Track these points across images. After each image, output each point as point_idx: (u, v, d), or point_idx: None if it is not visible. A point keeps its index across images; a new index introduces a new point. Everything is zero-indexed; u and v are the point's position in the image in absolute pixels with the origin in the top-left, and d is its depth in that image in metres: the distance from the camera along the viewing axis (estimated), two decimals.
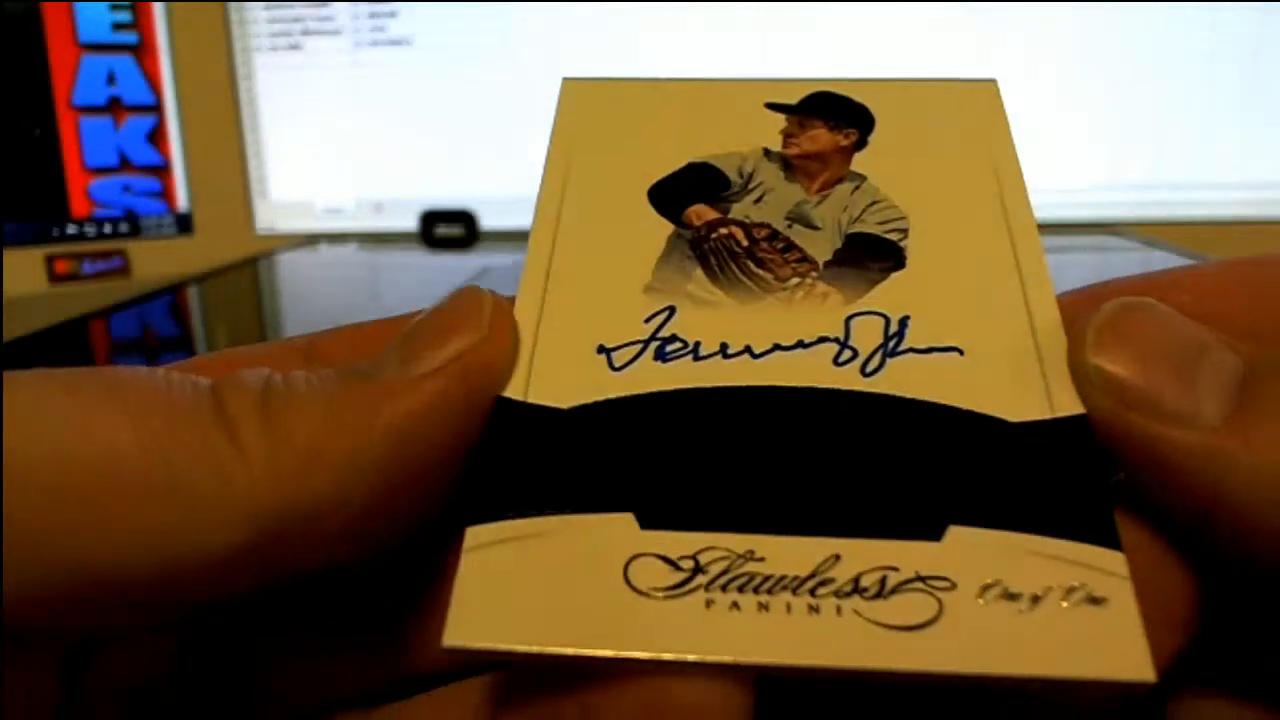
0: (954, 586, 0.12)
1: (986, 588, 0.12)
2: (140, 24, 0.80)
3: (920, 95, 0.19)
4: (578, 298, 0.16)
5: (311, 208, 0.86)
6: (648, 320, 0.15)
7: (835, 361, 0.15)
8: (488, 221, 0.82)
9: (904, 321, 0.15)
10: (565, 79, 0.19)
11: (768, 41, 0.77)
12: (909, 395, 0.14)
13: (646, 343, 0.15)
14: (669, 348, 0.15)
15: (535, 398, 0.14)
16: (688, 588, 0.12)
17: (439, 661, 0.15)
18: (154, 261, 0.82)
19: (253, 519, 0.12)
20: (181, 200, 0.83)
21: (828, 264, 0.16)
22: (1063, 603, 0.12)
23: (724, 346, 0.15)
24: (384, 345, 0.15)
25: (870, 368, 0.14)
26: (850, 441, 0.14)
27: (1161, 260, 0.67)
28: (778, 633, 0.12)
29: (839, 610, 0.12)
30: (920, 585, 0.12)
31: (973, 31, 0.75)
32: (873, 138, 0.18)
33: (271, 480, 0.12)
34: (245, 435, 0.13)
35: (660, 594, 0.12)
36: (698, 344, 0.15)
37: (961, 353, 0.15)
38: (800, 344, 0.15)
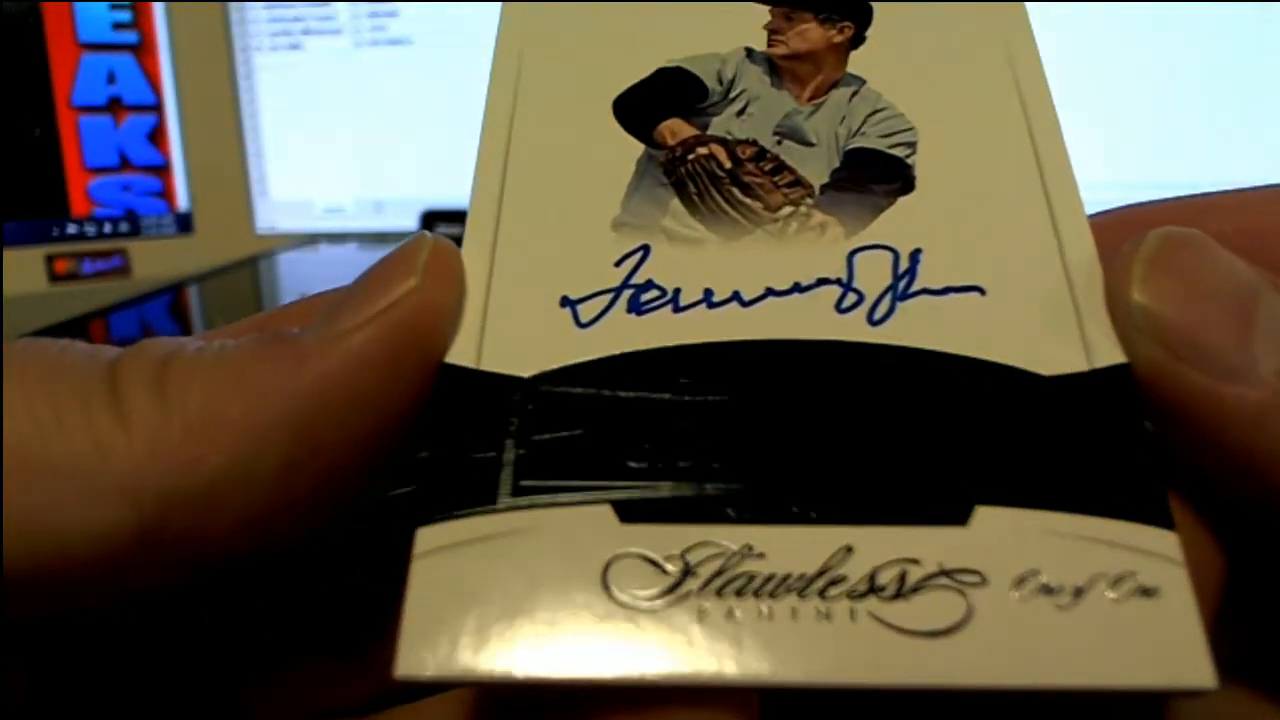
0: (984, 581, 0.10)
1: (1021, 580, 0.10)
2: (140, 23, 0.80)
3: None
4: (535, 239, 0.13)
5: (311, 207, 0.86)
6: (618, 263, 0.13)
7: (838, 308, 0.12)
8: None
9: (915, 256, 0.13)
10: (505, 3, 0.16)
11: None
12: (924, 346, 0.12)
13: (618, 291, 0.13)
14: (644, 297, 0.13)
15: (489, 364, 0.12)
16: (677, 594, 0.10)
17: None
18: (154, 261, 0.82)
19: (135, 498, 0.11)
20: (182, 200, 0.83)
21: (824, 187, 0.14)
22: (1109, 594, 0.10)
23: (708, 293, 0.13)
24: None
25: (879, 314, 0.12)
26: (858, 408, 0.12)
27: None
28: (783, 646, 0.10)
29: (853, 615, 0.10)
30: (946, 581, 0.11)
31: None
32: (872, 32, 0.15)
33: (157, 454, 0.11)
34: (132, 406, 0.11)
35: (645, 603, 0.10)
36: (678, 291, 0.13)
37: (983, 292, 0.13)
38: (797, 287, 0.13)
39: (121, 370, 0.12)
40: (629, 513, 0.11)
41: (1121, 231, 0.13)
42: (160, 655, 0.15)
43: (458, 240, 0.14)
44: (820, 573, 0.11)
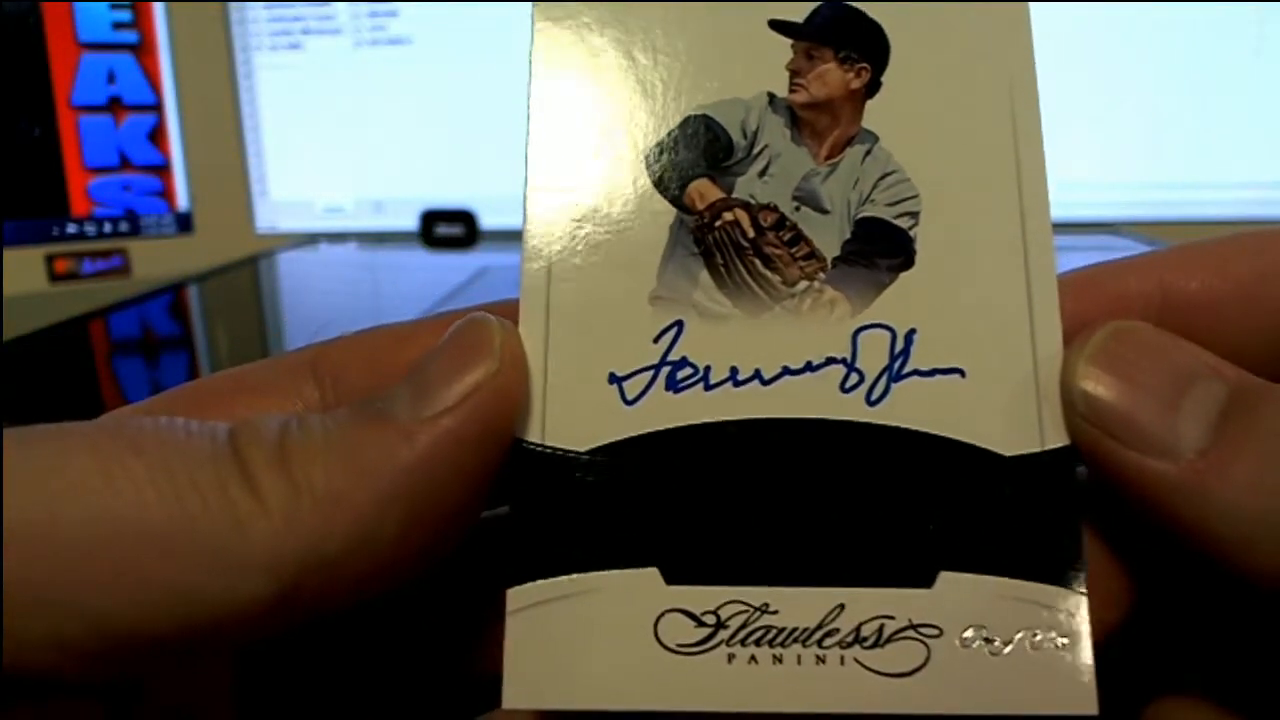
0: (941, 633, 0.14)
1: (968, 632, 0.14)
2: (140, 23, 0.80)
3: (938, 15, 0.17)
4: (584, 315, 0.15)
5: (311, 207, 0.86)
6: (656, 340, 0.15)
7: (842, 388, 0.15)
8: (488, 221, 0.82)
9: (910, 337, 0.15)
10: (537, 4, 0.17)
11: None
12: (910, 427, 0.15)
13: (657, 369, 0.15)
14: (679, 374, 0.15)
15: (552, 439, 0.15)
16: (711, 644, 0.14)
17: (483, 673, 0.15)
18: (154, 261, 0.82)
19: (274, 570, 0.12)
20: (181, 199, 0.83)
21: (836, 260, 0.16)
22: (1030, 646, 0.14)
23: (734, 372, 0.15)
24: (390, 356, 0.16)
25: (875, 395, 0.15)
26: (854, 480, 0.14)
27: None
28: (791, 684, 0.14)
29: (842, 660, 0.14)
30: (912, 634, 0.14)
31: None
32: (886, 77, 0.16)
33: (291, 530, 0.12)
34: (264, 485, 0.13)
35: (687, 650, 0.14)
36: (708, 369, 0.15)
37: (964, 374, 0.15)
38: (808, 366, 0.15)
39: (244, 450, 0.13)
40: (673, 575, 0.14)
41: (1087, 297, 0.15)
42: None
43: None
44: (819, 626, 0.14)
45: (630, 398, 0.15)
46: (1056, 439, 0.14)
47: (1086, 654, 0.14)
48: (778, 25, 0.16)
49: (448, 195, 0.83)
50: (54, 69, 0.77)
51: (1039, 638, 0.14)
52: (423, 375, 0.14)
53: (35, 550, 0.12)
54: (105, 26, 0.79)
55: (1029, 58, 0.16)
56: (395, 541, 0.13)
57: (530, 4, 0.17)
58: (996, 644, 0.14)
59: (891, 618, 0.14)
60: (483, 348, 0.14)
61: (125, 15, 0.79)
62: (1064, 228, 0.83)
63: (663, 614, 0.14)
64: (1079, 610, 0.14)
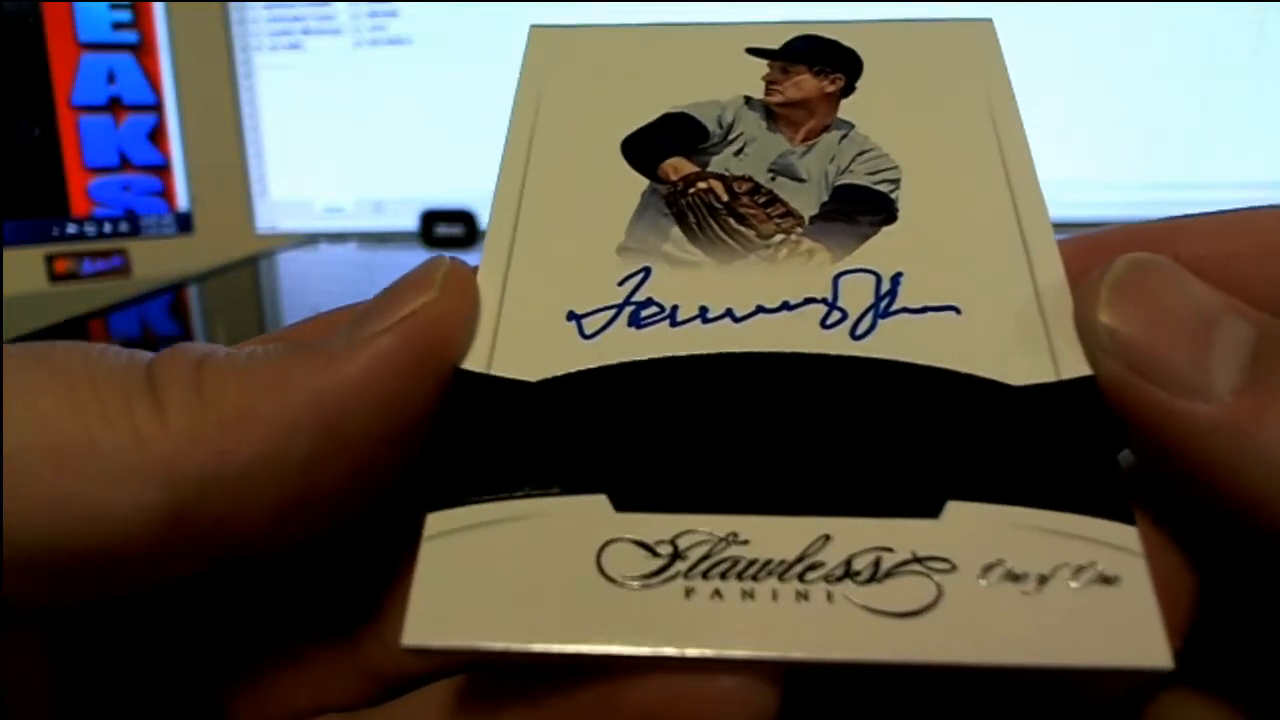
0: (954, 568, 0.11)
1: (988, 568, 0.11)
2: (140, 23, 0.80)
3: (910, 37, 0.17)
4: (545, 260, 0.14)
5: (311, 207, 0.86)
6: (621, 283, 0.14)
7: (823, 324, 0.13)
8: (488, 221, 0.82)
9: (896, 279, 0.14)
10: (533, 26, 0.17)
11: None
12: (902, 359, 0.13)
13: (620, 307, 0.14)
14: (644, 312, 0.14)
15: (499, 369, 0.13)
16: (665, 575, 0.11)
17: (410, 665, 0.15)
18: (154, 261, 0.82)
19: (171, 484, 0.12)
20: (182, 199, 0.83)
21: (814, 218, 0.15)
22: (1071, 583, 0.11)
23: (703, 310, 0.14)
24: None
25: (860, 330, 0.13)
26: (840, 411, 0.13)
27: None
28: (763, 623, 0.11)
29: (830, 596, 0.11)
30: (917, 567, 0.11)
31: None
32: (861, 83, 0.16)
33: (193, 444, 0.12)
34: (170, 400, 0.12)
35: (636, 582, 0.11)
36: (675, 307, 0.14)
37: (959, 311, 0.14)
38: (785, 305, 0.14)
39: (159, 369, 0.12)
40: (624, 502, 0.12)
41: (1094, 255, 0.14)
42: (155, 646, 0.15)
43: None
44: (799, 558, 0.11)
45: (589, 333, 0.14)
46: (1074, 369, 0.13)
47: (1147, 594, 0.11)
48: (755, 51, 0.17)
49: (448, 195, 0.83)
50: (54, 69, 0.77)
51: (1081, 576, 0.11)
52: (362, 309, 0.13)
53: None
54: (105, 26, 0.78)
55: (993, 37, 0.17)
56: (308, 465, 0.12)
57: (528, 12, 0.18)
58: (1027, 582, 0.11)
59: (889, 550, 0.11)
60: (425, 280, 0.14)
61: (125, 15, 0.79)
62: (1063, 228, 0.83)
63: (608, 543, 0.12)
64: (1129, 543, 0.11)
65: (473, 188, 0.82)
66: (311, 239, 0.85)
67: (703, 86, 0.17)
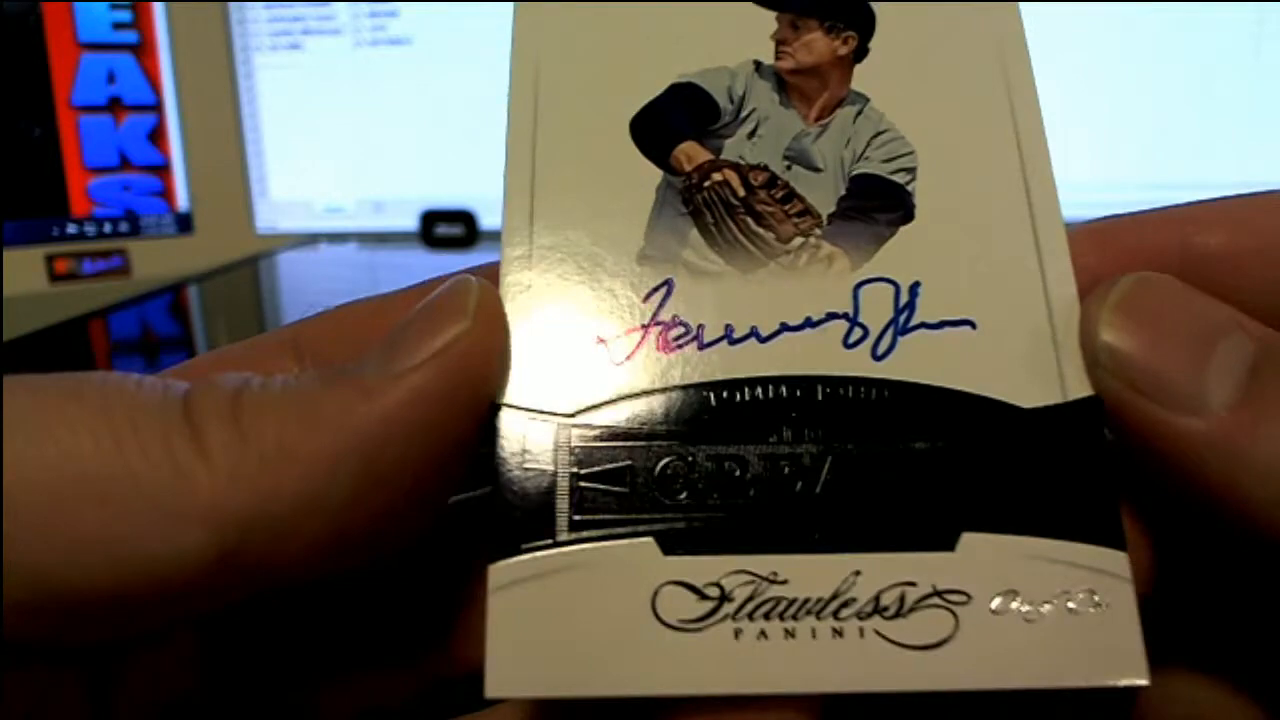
0: (969, 600, 0.13)
1: (999, 597, 0.13)
2: (140, 23, 0.80)
3: (925, 9, 0.16)
4: (568, 275, 0.14)
5: (312, 207, 0.86)
6: (646, 298, 0.14)
7: (846, 343, 0.14)
8: (488, 221, 0.82)
9: (915, 290, 0.14)
10: (518, 3, 0.16)
11: None
12: (920, 380, 0.13)
13: (646, 328, 0.14)
14: (671, 334, 0.14)
15: (535, 402, 0.13)
16: (716, 618, 0.12)
17: (463, 666, 0.15)
18: (154, 261, 0.82)
19: (216, 524, 0.12)
20: (182, 200, 0.83)
21: (832, 216, 0.15)
22: (1069, 607, 0.12)
23: (729, 330, 0.14)
24: (370, 328, 0.15)
25: (881, 349, 0.14)
26: (864, 441, 0.13)
27: None
28: (805, 660, 0.12)
29: (861, 633, 0.12)
30: (937, 600, 0.13)
31: None
32: (875, 43, 0.16)
33: (236, 483, 0.12)
34: (210, 437, 0.12)
35: (690, 626, 0.12)
36: (701, 327, 0.14)
37: (974, 326, 0.14)
38: (808, 322, 0.14)
39: (196, 403, 0.12)
40: (670, 545, 0.13)
41: (1105, 246, 0.14)
42: (210, 662, 0.15)
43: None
44: (834, 596, 0.13)
45: (619, 358, 0.14)
46: (1080, 389, 0.13)
47: (1132, 617, 0.12)
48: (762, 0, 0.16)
49: (448, 195, 0.83)
50: (54, 69, 0.77)
51: (1077, 601, 0.13)
52: (395, 336, 0.13)
53: None
54: (105, 26, 0.78)
55: (1017, 19, 0.16)
56: (349, 504, 0.12)
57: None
58: (1030, 610, 0.12)
59: (913, 584, 0.13)
60: (457, 307, 0.13)
61: (125, 15, 0.79)
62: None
63: (660, 587, 0.13)
64: (1120, 569, 0.13)
65: (473, 188, 0.82)
66: (311, 239, 0.85)
67: (710, 48, 0.16)
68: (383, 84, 0.82)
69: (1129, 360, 0.13)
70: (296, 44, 0.83)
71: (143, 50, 0.80)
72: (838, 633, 0.12)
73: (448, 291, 0.14)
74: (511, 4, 0.16)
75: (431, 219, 0.83)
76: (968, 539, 0.13)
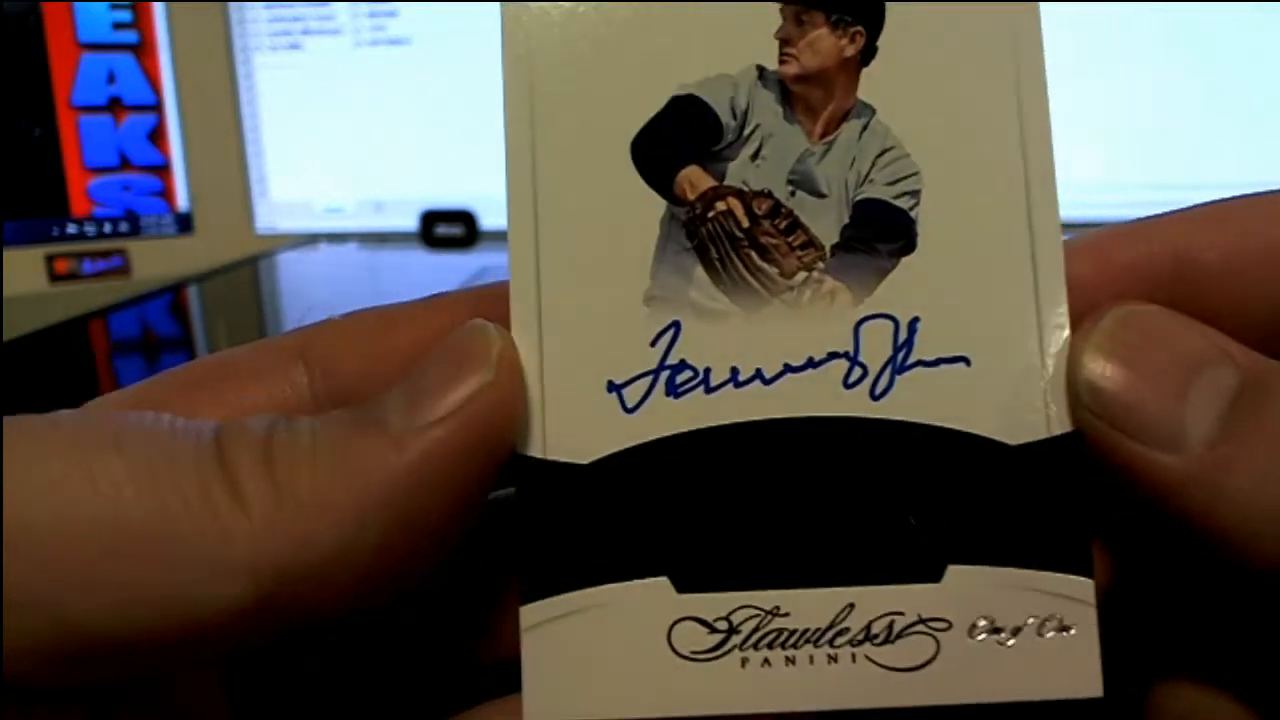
0: (950, 626, 0.14)
1: (976, 625, 0.14)
2: (140, 23, 0.80)
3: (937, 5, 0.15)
4: (576, 319, 0.15)
5: (312, 207, 0.86)
6: (654, 342, 0.14)
7: (845, 383, 0.14)
8: (488, 221, 0.82)
9: (913, 326, 0.14)
10: (504, 4, 0.15)
11: None
12: (915, 420, 0.14)
13: (656, 373, 0.14)
14: (679, 378, 0.14)
15: (553, 453, 0.14)
16: (725, 649, 0.14)
17: (486, 659, 0.16)
18: (154, 261, 0.82)
19: (255, 575, 0.12)
20: (182, 200, 0.83)
21: (835, 248, 0.15)
22: (1038, 632, 0.14)
23: (734, 372, 0.14)
24: (380, 341, 0.15)
25: (879, 389, 0.14)
26: (861, 478, 0.14)
27: None
28: (804, 684, 0.14)
29: (854, 658, 0.14)
30: (922, 628, 0.14)
31: None
32: (883, 40, 0.15)
33: (273, 534, 0.12)
34: (246, 487, 0.12)
35: (701, 656, 0.14)
36: (708, 371, 0.14)
37: (968, 363, 0.14)
38: (810, 363, 0.14)
39: (229, 450, 0.13)
40: (684, 584, 0.14)
41: (1095, 260, 0.15)
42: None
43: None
44: (830, 626, 0.14)
45: (630, 405, 0.14)
46: (1062, 425, 0.14)
47: (1092, 637, 0.14)
48: None
49: (448, 195, 0.83)
50: (54, 69, 0.77)
51: (1046, 624, 0.14)
52: (417, 382, 0.14)
53: (9, 554, 0.11)
54: (105, 27, 0.78)
55: (1036, 18, 0.15)
56: (378, 551, 0.13)
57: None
58: (1004, 634, 0.14)
59: (901, 614, 0.14)
60: (478, 357, 0.14)
61: (125, 15, 0.79)
62: (1064, 228, 0.83)
63: (675, 623, 0.14)
64: (1085, 595, 0.14)
65: (473, 188, 0.82)
66: (311, 239, 0.85)
67: (712, 49, 0.15)
68: (383, 84, 0.82)
69: (1108, 397, 0.13)
70: (296, 44, 0.83)
71: (143, 50, 0.80)
72: (833, 658, 0.14)
73: (468, 339, 0.14)
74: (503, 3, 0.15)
75: (431, 219, 0.83)
76: (953, 571, 0.14)
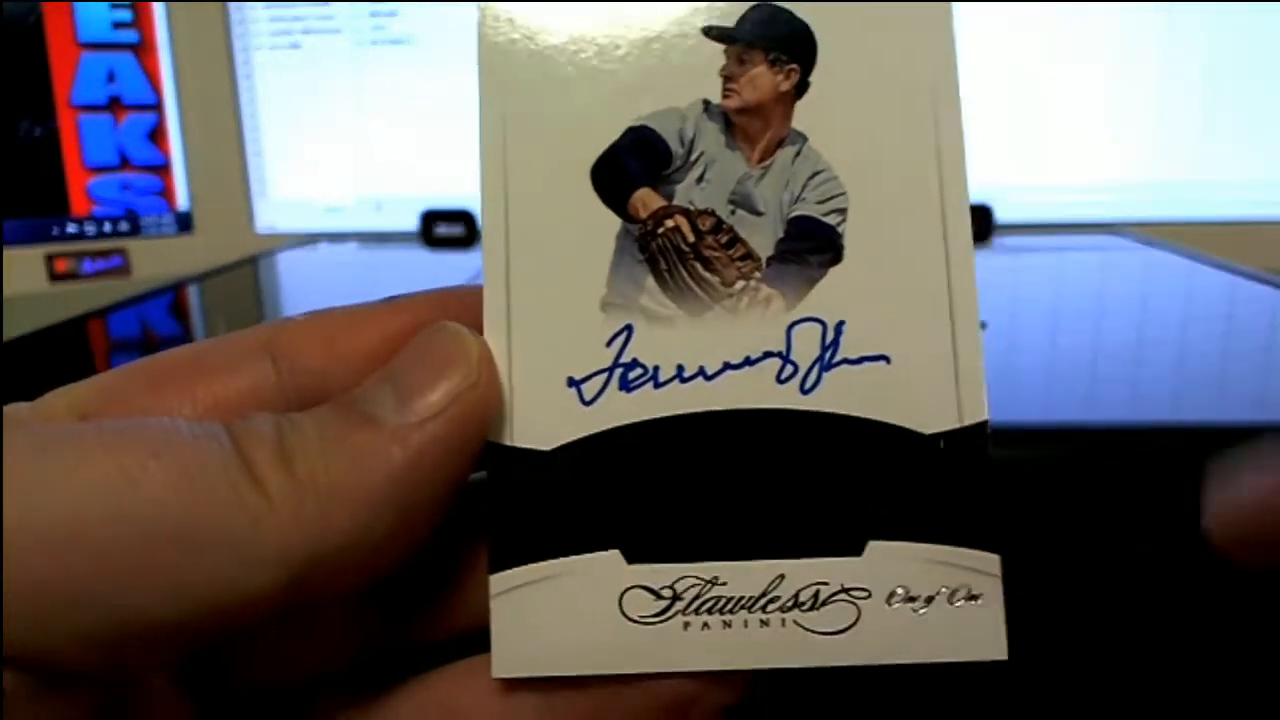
0: (869, 595, 0.16)
1: (894, 594, 0.16)
2: (140, 23, 0.80)
3: (865, 17, 0.17)
4: (541, 322, 0.16)
5: (312, 207, 0.86)
6: (609, 343, 0.16)
7: (778, 379, 0.16)
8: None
9: (839, 328, 0.16)
10: (481, 5, 0.17)
11: None
12: (840, 411, 0.16)
13: (610, 370, 0.16)
14: (631, 375, 0.16)
15: (520, 440, 0.16)
16: (669, 614, 0.16)
17: (447, 631, 0.17)
18: (154, 260, 0.82)
19: (285, 563, 0.13)
20: (181, 199, 0.83)
21: (770, 259, 0.17)
22: (948, 602, 0.16)
23: (680, 370, 0.16)
24: (346, 339, 0.16)
25: (808, 384, 0.16)
26: (791, 463, 0.16)
27: (1161, 260, 0.67)
28: (738, 645, 0.16)
29: (783, 623, 0.16)
30: (844, 596, 0.16)
31: (970, 32, 0.75)
32: (815, 76, 0.17)
33: (299, 525, 0.13)
34: (270, 483, 0.13)
35: (649, 620, 0.16)
36: (656, 368, 0.16)
37: (889, 360, 0.16)
38: (747, 360, 0.16)
39: (247, 448, 0.14)
40: (633, 555, 0.16)
41: None
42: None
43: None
44: (763, 594, 0.16)
45: (588, 398, 0.16)
46: (972, 415, 0.16)
47: (998, 606, 0.16)
48: (710, 31, 0.17)
49: (448, 195, 0.83)
50: (54, 68, 0.77)
51: (957, 594, 0.16)
52: (402, 380, 0.15)
53: (65, 549, 0.12)
54: (105, 26, 0.79)
55: (951, 56, 0.17)
56: (388, 536, 0.14)
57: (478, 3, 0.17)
58: (919, 603, 0.16)
59: (826, 584, 0.16)
60: (460, 356, 0.15)
61: (125, 15, 0.79)
62: (1064, 228, 0.83)
63: (626, 590, 0.16)
64: (992, 568, 0.16)
65: (473, 188, 0.82)
66: (311, 239, 0.85)
67: (664, 86, 0.17)
68: (382, 84, 0.82)
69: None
70: (296, 43, 0.83)
71: (143, 50, 0.80)
72: (764, 623, 0.16)
73: (446, 340, 0.16)
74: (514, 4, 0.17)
75: (431, 219, 0.83)
76: (873, 545, 0.16)
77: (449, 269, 0.75)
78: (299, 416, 0.15)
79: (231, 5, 0.83)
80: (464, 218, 0.82)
